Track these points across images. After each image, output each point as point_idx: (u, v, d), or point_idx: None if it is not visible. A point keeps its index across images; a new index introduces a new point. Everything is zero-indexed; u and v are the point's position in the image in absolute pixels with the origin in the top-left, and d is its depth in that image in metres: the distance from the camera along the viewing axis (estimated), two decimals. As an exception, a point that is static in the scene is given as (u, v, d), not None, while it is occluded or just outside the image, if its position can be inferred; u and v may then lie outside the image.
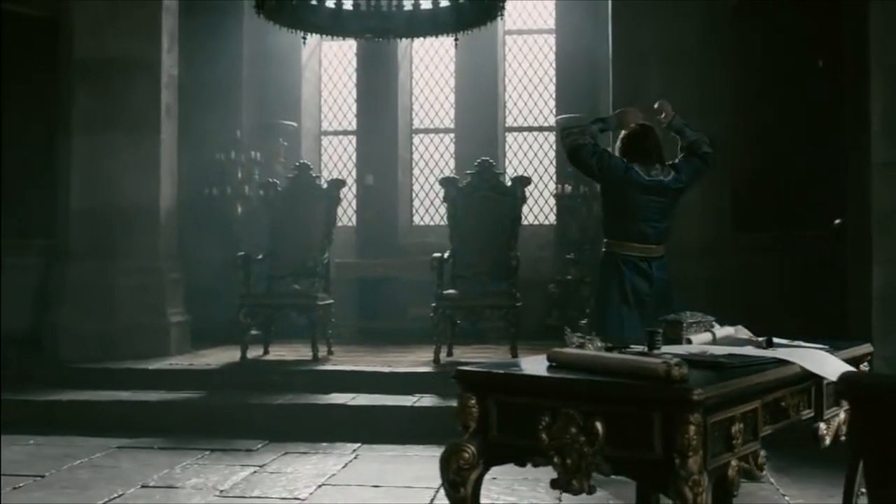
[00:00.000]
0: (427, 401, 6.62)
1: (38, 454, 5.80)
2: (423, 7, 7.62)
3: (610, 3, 8.02)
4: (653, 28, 7.67)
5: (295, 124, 10.59)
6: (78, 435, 6.26)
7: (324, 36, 8.25)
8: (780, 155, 7.67)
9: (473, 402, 2.73)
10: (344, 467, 5.43)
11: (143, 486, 4.98)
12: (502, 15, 7.55)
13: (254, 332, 8.74)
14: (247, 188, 9.56)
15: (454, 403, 6.43)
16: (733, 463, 2.64)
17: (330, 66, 11.48)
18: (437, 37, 8.27)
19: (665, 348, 3.05)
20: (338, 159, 11.38)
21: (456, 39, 7.80)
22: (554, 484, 2.61)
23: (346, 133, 11.39)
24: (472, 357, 7.89)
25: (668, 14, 7.64)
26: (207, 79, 9.58)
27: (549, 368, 2.80)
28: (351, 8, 7.69)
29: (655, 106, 5.60)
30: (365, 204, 10.77)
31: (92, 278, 7.93)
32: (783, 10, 7.63)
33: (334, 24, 7.79)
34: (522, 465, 2.89)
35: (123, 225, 8.02)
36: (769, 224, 7.75)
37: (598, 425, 2.50)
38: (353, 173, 11.04)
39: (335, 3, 7.58)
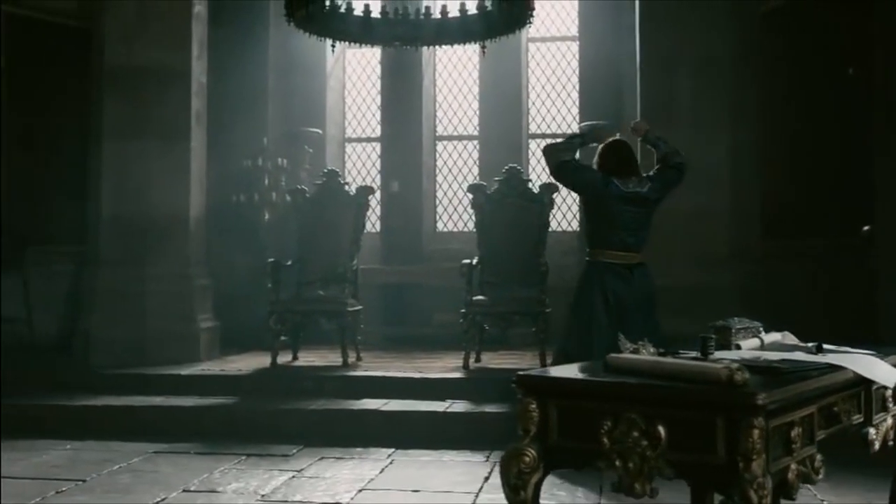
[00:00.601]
0: (459, 406, 6.66)
1: (77, 459, 5.85)
2: (451, 15, 7.69)
3: (637, 10, 8.05)
4: (681, 35, 7.69)
5: (320, 131, 10.65)
6: (113, 440, 6.31)
7: (351, 44, 8.25)
8: (809, 161, 7.68)
9: (534, 406, 2.76)
10: (381, 472, 5.47)
11: (184, 491, 5.02)
12: (531, 22, 7.57)
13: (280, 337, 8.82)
14: (274, 195, 9.60)
15: (486, 409, 6.54)
16: (793, 467, 2.68)
17: (353, 73, 11.55)
18: (464, 44, 8.31)
19: (717, 354, 3.09)
20: (361, 166, 11.44)
21: (483, 47, 7.82)
22: (615, 487, 2.64)
23: (369, 140, 11.45)
24: (501, 363, 7.95)
25: (696, 21, 7.67)
26: (234, 86, 9.64)
27: (607, 373, 2.84)
28: (379, 16, 7.76)
29: (632, 124, 6.11)
30: (390, 211, 10.82)
31: (123, 285, 8.00)
32: (812, 18, 7.65)
33: (363, 32, 7.81)
34: (581, 468, 2.94)
35: (154, 232, 8.08)
36: (798, 230, 7.76)
37: (661, 429, 2.53)
38: (377, 180, 11.08)
39: (363, 12, 7.66)
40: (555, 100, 11.13)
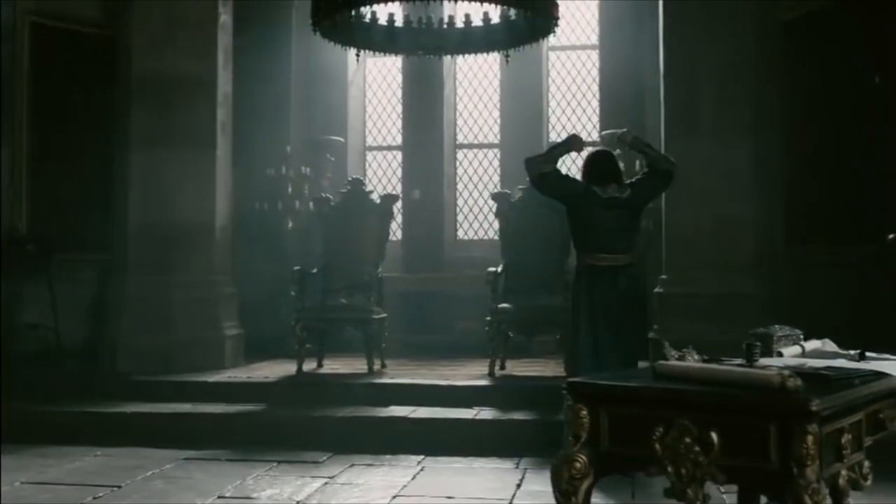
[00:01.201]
0: (487, 414, 6.68)
1: (109, 465, 5.90)
2: (474, 24, 7.73)
3: (661, 19, 8.07)
4: (704, 43, 7.69)
5: (342, 140, 10.72)
6: (143, 446, 6.36)
7: (375, 53, 8.31)
8: (833, 169, 7.68)
9: (585, 413, 2.80)
10: (413, 479, 5.50)
11: (219, 497, 5.07)
12: (555, 32, 7.60)
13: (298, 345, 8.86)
14: (297, 203, 9.66)
15: (514, 416, 6.54)
16: (843, 472, 2.72)
17: (374, 82, 11.61)
18: (488, 53, 8.34)
19: (762, 361, 3.12)
20: (381, 174, 11.49)
21: (507, 56, 7.85)
22: (667, 493, 2.68)
23: (389, 148, 11.50)
24: (526, 371, 7.98)
25: (719, 29, 7.66)
26: (257, 95, 9.71)
27: (657, 380, 2.87)
28: (403, 25, 7.81)
29: (619, 133, 6.25)
30: (411, 219, 10.86)
31: (149, 292, 8.05)
32: (835, 25, 7.67)
33: (388, 42, 7.86)
34: (628, 475, 2.97)
35: (180, 240, 8.13)
36: (822, 238, 7.77)
37: (714, 435, 2.57)
38: (398, 188, 11.13)
39: (387, 21, 7.71)
40: (575, 108, 11.17)
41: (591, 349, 5.75)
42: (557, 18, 7.35)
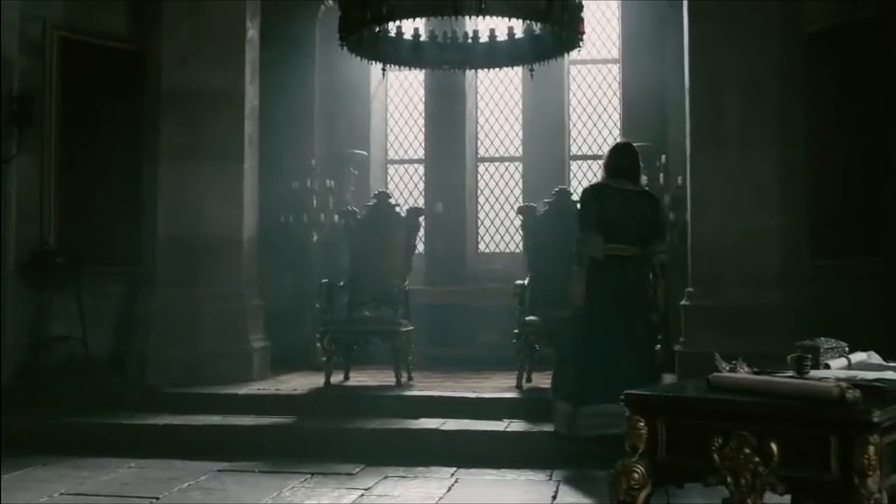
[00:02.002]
0: (517, 426, 6.71)
1: (145, 476, 5.93)
2: (499, 38, 7.78)
3: (686, 32, 8.09)
4: (729, 56, 7.71)
5: (365, 153, 10.78)
6: (175, 458, 6.38)
7: (400, 67, 8.39)
8: (858, 181, 7.74)
9: (642, 424, 2.83)
10: (448, 491, 5.52)
11: (258, 508, 5.11)
12: (581, 46, 7.64)
13: (325, 357, 8.90)
14: (322, 216, 9.71)
15: (544, 428, 6.56)
16: (901, 484, 2.73)
17: (396, 95, 11.67)
18: (513, 68, 8.39)
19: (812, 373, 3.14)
20: (403, 187, 11.55)
21: (532, 71, 7.89)
22: (726, 503, 2.71)
23: (411, 162, 11.56)
24: (548, 384, 7.96)
25: (744, 42, 7.67)
26: (281, 108, 9.79)
27: (711, 391, 2.90)
28: (428, 40, 7.86)
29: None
30: (433, 231, 10.90)
31: (177, 304, 8.10)
32: (859, 38, 7.72)
33: (413, 56, 7.91)
34: (681, 486, 3.00)
35: (208, 252, 8.18)
36: (848, 250, 7.80)
37: (773, 446, 2.60)
38: (419, 201, 11.18)
39: (412, 36, 7.77)
40: (595, 121, 11.21)
41: (601, 332, 6.18)
42: (583, 33, 7.39)
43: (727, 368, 3.13)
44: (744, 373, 3.10)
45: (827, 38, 7.88)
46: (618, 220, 6.33)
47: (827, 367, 3.41)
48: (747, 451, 2.63)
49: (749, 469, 2.63)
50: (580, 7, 7.11)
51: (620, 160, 6.60)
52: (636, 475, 2.81)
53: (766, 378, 2.89)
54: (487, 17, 7.43)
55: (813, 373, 3.13)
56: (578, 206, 6.82)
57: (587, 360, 6.20)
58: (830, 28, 7.86)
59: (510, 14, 6.94)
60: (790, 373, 3.11)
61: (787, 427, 2.60)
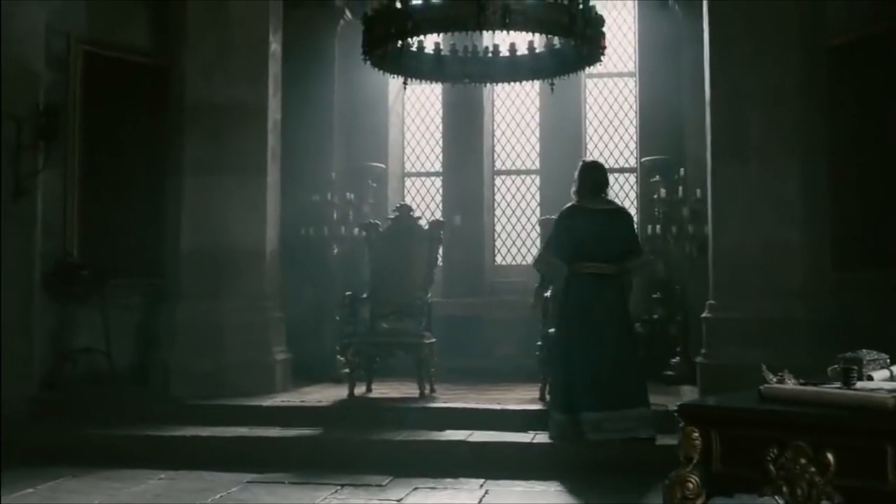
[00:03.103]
0: (543, 437, 6.73)
1: (176, 488, 5.96)
2: (519, 53, 7.83)
3: (706, 46, 8.14)
4: (751, 70, 7.74)
5: (383, 166, 10.84)
6: (204, 469, 6.42)
7: (422, 81, 8.45)
8: (879, 193, 7.76)
9: (696, 434, 2.87)
10: (479, 502, 5.55)
11: (292, 519, 5.14)
12: (602, 60, 7.68)
13: (346, 370, 8.94)
14: (343, 229, 9.77)
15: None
16: (954, 493, 2.77)
17: (413, 109, 11.74)
18: (534, 82, 8.44)
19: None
20: (420, 200, 11.60)
21: (552, 84, 7.93)
22: (782, 512, 2.75)
23: (428, 174, 11.62)
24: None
25: (765, 55, 7.71)
26: (301, 122, 9.86)
27: (764, 403, 2.94)
28: (450, 54, 7.92)
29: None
30: (451, 244, 10.94)
31: (202, 317, 8.13)
32: (880, 51, 7.75)
33: (435, 70, 7.97)
34: (730, 495, 3.04)
35: (231, 265, 8.22)
36: (869, 262, 7.83)
37: (830, 456, 2.63)
38: (436, 213, 11.24)
39: (434, 50, 7.83)
40: (612, 134, 11.27)
41: (585, 347, 6.59)
42: (604, 48, 7.43)
43: (775, 380, 3.17)
44: (791, 384, 3.14)
45: (848, 50, 7.92)
46: (594, 240, 6.72)
47: (870, 378, 3.45)
48: (803, 461, 2.67)
49: (805, 479, 2.66)
50: (601, 22, 7.15)
51: (593, 177, 6.99)
52: (690, 485, 2.85)
53: (819, 389, 2.93)
54: (507, 32, 7.50)
55: (859, 384, 3.17)
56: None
57: (574, 373, 6.58)
58: (851, 41, 7.90)
59: (534, 29, 6.99)
60: (837, 384, 3.15)
61: (843, 437, 2.64)
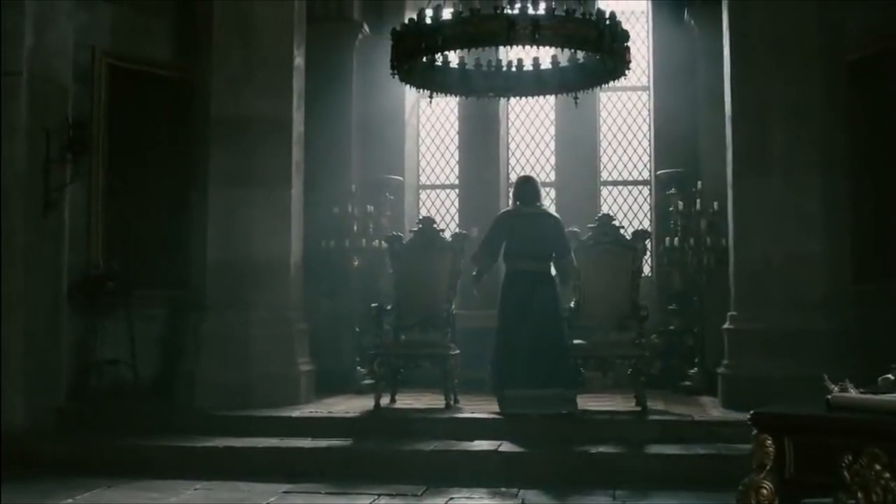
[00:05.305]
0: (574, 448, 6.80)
1: (213, 499, 6.01)
2: (542, 67, 7.92)
3: (727, 61, 8.24)
4: (772, 85, 7.83)
5: (400, 178, 10.91)
6: (238, 480, 6.46)
7: (447, 95, 8.53)
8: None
9: (770, 442, 2.94)
10: (519, 511, 5.62)
11: (336, 528, 5.19)
12: (626, 74, 7.77)
13: (366, 381, 9.01)
14: (363, 241, 9.84)
15: (601, 449, 6.62)
16: None
17: (428, 122, 11.83)
18: (557, 96, 8.53)
19: None
20: (436, 212, 11.67)
21: (576, 98, 8.00)
22: (857, 518, 2.82)
23: (443, 187, 11.71)
24: (596, 406, 8.06)
25: (785, 70, 7.80)
26: (322, 134, 9.92)
27: (834, 411, 3.02)
28: (475, 68, 8.01)
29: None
30: (469, 255, 10.99)
31: (227, 329, 8.17)
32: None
33: (461, 84, 8.06)
34: (798, 502, 3.11)
35: (256, 277, 8.27)
36: (889, 275, 7.93)
37: (904, 462, 2.71)
38: (452, 225, 11.31)
39: (458, 64, 7.91)
40: (626, 148, 11.38)
41: (516, 336, 7.65)
42: (630, 61, 7.53)
43: (837, 390, 3.24)
44: (853, 393, 3.22)
45: (868, 64, 8.03)
46: (526, 240, 7.80)
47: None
48: (878, 467, 2.74)
49: (880, 484, 2.73)
50: (627, 36, 7.25)
51: (524, 188, 8.13)
52: (764, 491, 2.92)
53: (884, 398, 3.00)
54: (534, 45, 7.59)
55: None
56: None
57: (506, 359, 7.67)
58: (871, 55, 8.02)
59: (562, 44, 7.09)
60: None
61: (918, 444, 2.71)
